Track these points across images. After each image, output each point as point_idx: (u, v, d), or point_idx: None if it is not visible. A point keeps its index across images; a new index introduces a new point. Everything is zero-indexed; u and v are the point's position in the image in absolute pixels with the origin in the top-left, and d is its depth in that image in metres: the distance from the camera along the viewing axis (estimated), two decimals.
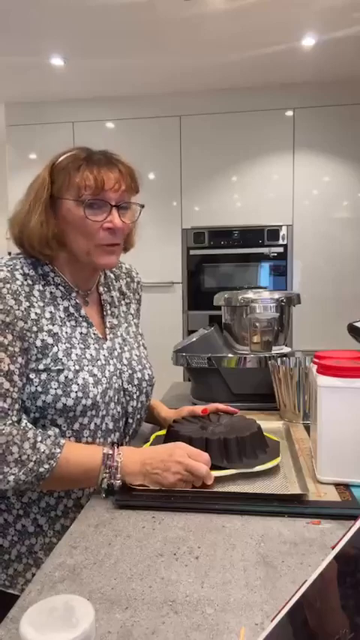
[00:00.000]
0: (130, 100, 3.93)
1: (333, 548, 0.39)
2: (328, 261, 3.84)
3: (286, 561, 0.65)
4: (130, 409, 1.03)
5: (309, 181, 3.84)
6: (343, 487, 0.84)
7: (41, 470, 0.83)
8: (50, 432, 0.90)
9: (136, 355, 1.08)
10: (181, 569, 0.65)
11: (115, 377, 1.00)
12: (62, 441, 0.87)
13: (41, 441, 0.85)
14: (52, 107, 3.99)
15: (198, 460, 0.84)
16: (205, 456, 0.85)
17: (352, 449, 0.84)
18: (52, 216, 0.96)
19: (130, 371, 1.04)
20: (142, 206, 1.03)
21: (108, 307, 1.09)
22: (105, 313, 1.08)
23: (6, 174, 4.13)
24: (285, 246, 3.83)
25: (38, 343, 0.91)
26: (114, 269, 1.16)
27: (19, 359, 0.89)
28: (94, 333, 1.01)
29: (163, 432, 1.07)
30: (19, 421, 0.87)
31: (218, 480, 0.86)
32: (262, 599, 0.58)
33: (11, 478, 0.82)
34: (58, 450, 0.85)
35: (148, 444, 1.00)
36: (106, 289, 1.11)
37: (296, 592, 0.39)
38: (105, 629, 0.54)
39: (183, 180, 3.96)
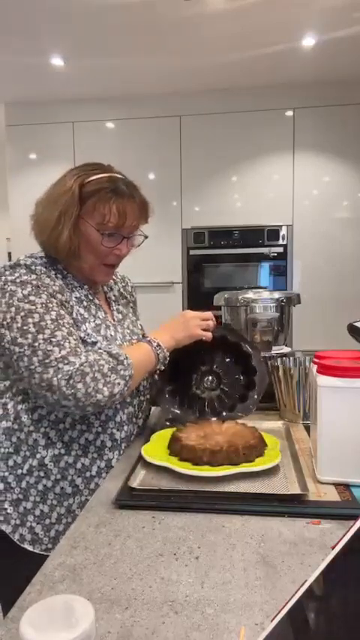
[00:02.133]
0: (130, 100, 3.93)
1: (333, 548, 0.39)
2: (328, 261, 3.84)
3: (286, 561, 0.65)
4: (141, 388, 1.15)
5: (309, 181, 3.84)
6: (343, 487, 0.84)
7: (129, 372, 0.99)
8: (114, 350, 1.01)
9: None
10: (181, 569, 0.65)
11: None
12: (117, 351, 1.00)
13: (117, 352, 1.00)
14: (52, 107, 3.99)
15: (202, 315, 1.15)
16: (207, 313, 1.16)
17: (352, 449, 0.84)
18: (77, 232, 1.04)
19: None
20: (146, 237, 1.13)
21: (114, 303, 1.20)
22: (112, 308, 1.19)
23: (6, 174, 4.13)
24: (285, 246, 3.83)
25: (74, 315, 1.03)
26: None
27: (68, 317, 1.01)
28: (109, 320, 1.12)
29: (163, 431, 1.07)
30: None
31: (218, 480, 0.86)
32: (262, 599, 0.58)
33: (121, 382, 0.97)
34: (127, 357, 0.99)
35: (149, 444, 1.00)
36: (109, 289, 1.23)
37: (296, 592, 0.39)
38: (105, 629, 0.54)
39: (183, 180, 3.96)
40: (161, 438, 1.03)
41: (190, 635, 0.53)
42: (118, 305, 1.22)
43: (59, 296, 1.01)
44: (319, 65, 3.42)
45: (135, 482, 0.87)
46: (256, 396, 1.18)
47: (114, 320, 1.16)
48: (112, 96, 3.91)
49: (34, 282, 0.99)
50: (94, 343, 1.02)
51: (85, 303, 1.08)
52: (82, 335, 1.02)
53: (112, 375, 0.95)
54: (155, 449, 0.97)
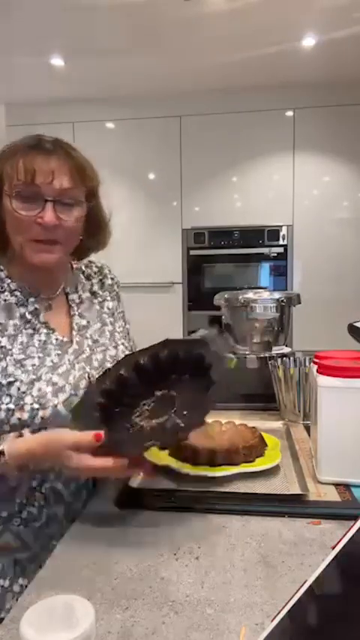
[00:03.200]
0: (130, 100, 3.93)
1: (333, 548, 0.39)
2: (328, 261, 3.84)
3: (286, 561, 0.65)
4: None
5: (309, 181, 3.84)
6: (343, 487, 0.84)
7: None
8: None
9: (110, 356, 1.00)
10: (181, 569, 0.65)
11: (83, 381, 0.93)
12: None
13: None
14: (52, 107, 3.99)
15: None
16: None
17: (352, 449, 0.84)
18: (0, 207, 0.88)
19: (100, 372, 0.95)
20: (90, 202, 0.94)
21: (76, 308, 1.02)
22: (72, 314, 1.01)
23: None
24: (285, 246, 3.83)
25: None
26: (84, 269, 1.10)
27: None
28: (57, 338, 0.94)
29: None
30: None
31: (218, 480, 0.86)
32: (262, 599, 0.58)
33: None
34: None
35: None
36: (73, 290, 1.04)
37: (296, 592, 0.39)
38: (105, 629, 0.54)
39: (183, 180, 3.95)
40: None
41: (190, 635, 0.53)
42: (84, 310, 1.03)
43: None
44: (319, 65, 3.42)
45: (135, 483, 0.87)
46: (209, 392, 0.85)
47: (72, 332, 0.98)
48: (112, 96, 3.91)
49: None
50: (10, 384, 0.84)
51: (12, 329, 0.90)
52: None
53: None
54: (155, 449, 0.97)
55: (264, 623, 0.54)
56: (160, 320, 3.88)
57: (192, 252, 3.93)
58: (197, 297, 3.92)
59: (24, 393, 0.84)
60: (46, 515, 0.89)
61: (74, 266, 1.08)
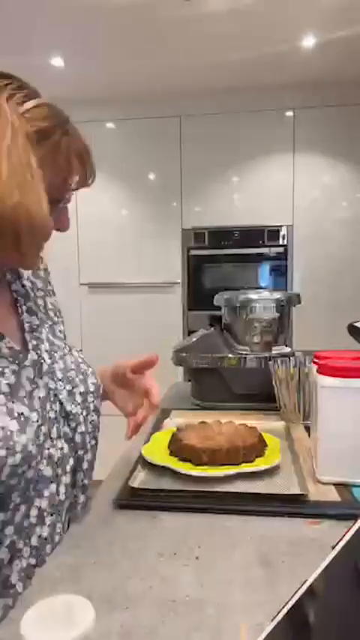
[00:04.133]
0: (130, 100, 3.93)
1: (333, 548, 0.39)
2: (328, 261, 3.84)
3: (286, 561, 0.65)
4: (78, 438, 0.77)
5: (309, 181, 3.84)
6: (343, 487, 0.84)
7: None
8: None
9: (72, 362, 0.82)
10: (181, 569, 0.65)
11: (49, 403, 0.73)
12: None
13: None
14: None
15: None
16: None
17: (352, 449, 0.84)
18: None
19: (69, 386, 0.78)
20: (76, 189, 0.78)
21: (23, 302, 0.80)
22: (20, 311, 0.78)
23: None
24: (285, 246, 3.83)
25: None
26: None
27: None
28: (9, 347, 0.71)
29: (163, 432, 1.07)
30: None
31: (218, 480, 0.86)
32: (262, 599, 0.58)
33: None
34: None
35: (149, 444, 1.00)
36: (14, 277, 0.81)
37: (296, 592, 0.39)
38: (105, 629, 0.54)
39: (183, 180, 3.95)
40: (161, 438, 1.03)
41: (190, 635, 0.53)
42: (30, 302, 0.81)
43: None
44: (319, 65, 3.42)
45: (135, 483, 0.87)
46: None
47: (24, 335, 0.76)
48: (112, 96, 3.91)
49: None
50: None
51: None
52: None
53: None
54: (155, 449, 0.97)
55: (264, 623, 0.54)
56: (160, 320, 3.88)
57: (192, 252, 3.93)
58: (197, 297, 3.92)
59: None
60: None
61: None
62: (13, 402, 0.67)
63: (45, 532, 0.71)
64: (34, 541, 0.70)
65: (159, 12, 2.72)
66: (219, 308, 1.57)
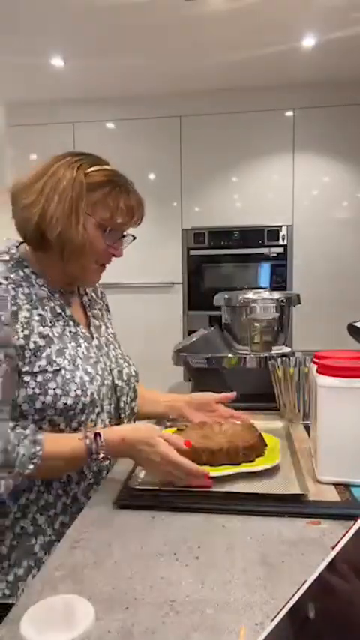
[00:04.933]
0: (130, 100, 3.93)
1: (333, 548, 0.39)
2: (328, 262, 3.84)
3: (286, 561, 0.65)
4: (121, 404, 1.05)
5: (309, 181, 3.84)
6: (343, 487, 0.84)
7: (27, 471, 0.84)
8: (27, 431, 0.86)
9: (119, 353, 1.11)
10: (181, 569, 0.65)
11: (106, 373, 1.02)
12: (39, 436, 0.86)
13: (18, 444, 0.83)
14: (52, 107, 3.99)
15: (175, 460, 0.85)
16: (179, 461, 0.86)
17: (352, 449, 0.84)
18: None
19: (118, 368, 1.06)
20: (134, 237, 1.06)
21: (89, 309, 1.11)
22: (88, 314, 1.10)
23: (6, 175, 4.12)
24: (285, 246, 3.83)
25: (31, 346, 0.91)
26: None
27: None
28: (82, 332, 1.02)
29: (163, 432, 1.07)
30: None
31: (218, 480, 0.86)
32: (262, 599, 0.58)
33: (2, 483, 0.84)
34: (38, 448, 0.84)
35: None
36: (84, 291, 1.13)
37: (296, 592, 0.39)
38: (105, 629, 0.54)
39: (183, 180, 3.95)
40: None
41: (190, 635, 0.53)
42: (94, 309, 1.13)
43: (6, 329, 0.88)
44: (319, 65, 3.42)
45: (135, 483, 0.87)
46: None
47: (90, 329, 1.06)
48: (112, 96, 3.91)
49: None
50: (57, 372, 0.91)
51: (49, 321, 0.95)
52: (44, 363, 0.90)
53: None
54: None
55: (264, 623, 0.54)
56: (160, 320, 3.88)
57: (192, 252, 3.93)
58: (197, 297, 3.92)
59: (69, 380, 0.92)
60: (62, 504, 0.95)
61: None
62: (87, 364, 0.97)
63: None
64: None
65: (159, 12, 2.72)
66: (219, 308, 1.57)
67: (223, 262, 3.91)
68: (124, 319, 3.84)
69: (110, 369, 1.04)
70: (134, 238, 1.05)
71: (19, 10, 2.69)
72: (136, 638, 0.53)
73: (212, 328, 1.55)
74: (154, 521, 0.77)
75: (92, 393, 0.95)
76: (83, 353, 0.98)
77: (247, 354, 1.41)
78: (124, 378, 1.07)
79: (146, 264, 3.86)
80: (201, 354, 1.42)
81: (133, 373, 1.11)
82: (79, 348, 0.98)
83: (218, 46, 3.14)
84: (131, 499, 0.82)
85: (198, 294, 3.92)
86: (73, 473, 0.95)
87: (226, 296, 1.52)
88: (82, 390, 0.93)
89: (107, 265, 1.06)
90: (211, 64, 3.38)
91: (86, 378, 0.94)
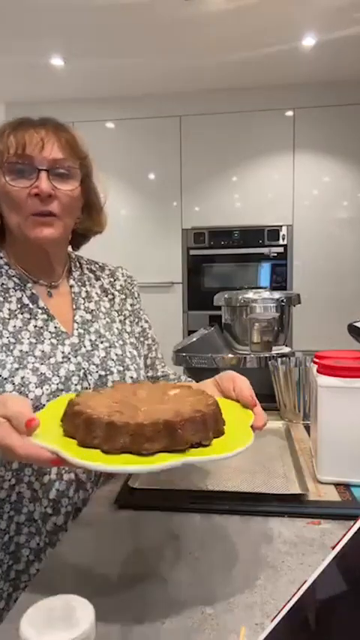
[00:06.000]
0: (130, 100, 3.93)
1: (333, 548, 0.39)
2: (328, 262, 3.84)
3: (286, 561, 0.65)
4: None
5: (309, 181, 3.84)
6: (343, 487, 0.84)
7: None
8: None
9: (116, 354, 0.96)
10: (181, 569, 0.65)
11: (76, 377, 0.89)
12: None
13: None
14: (52, 107, 3.96)
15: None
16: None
17: (352, 449, 0.84)
18: None
19: (102, 372, 0.92)
20: (85, 177, 0.94)
21: (81, 302, 0.99)
22: (75, 307, 0.98)
23: None
24: (285, 246, 3.83)
25: None
26: (94, 269, 1.08)
27: None
28: (56, 327, 0.92)
29: (59, 399, 0.76)
30: None
31: (218, 479, 0.86)
32: (262, 599, 0.58)
33: None
34: None
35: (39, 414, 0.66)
36: (80, 284, 1.02)
37: (296, 592, 0.39)
38: (105, 629, 0.54)
39: (183, 180, 3.95)
40: (56, 407, 0.68)
41: (190, 636, 0.53)
42: (89, 303, 1.00)
43: None
44: (319, 65, 3.42)
45: (135, 483, 0.87)
46: None
47: (73, 325, 0.95)
48: (112, 96, 3.91)
49: None
50: None
51: (8, 314, 0.88)
52: None
53: None
54: (47, 424, 0.61)
55: (264, 623, 0.54)
56: (160, 320, 3.88)
57: (192, 252, 3.93)
58: (197, 297, 3.92)
59: (5, 379, 0.81)
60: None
61: (84, 266, 1.07)
62: (42, 364, 0.86)
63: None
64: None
65: (159, 12, 2.72)
66: (219, 308, 1.57)
67: (223, 262, 3.91)
68: None
69: (86, 373, 0.90)
70: (67, 174, 0.90)
71: (19, 10, 2.69)
72: (136, 638, 0.53)
73: (212, 328, 1.55)
74: (154, 521, 0.77)
75: (38, 397, 0.82)
76: (42, 351, 0.87)
77: (247, 354, 1.41)
78: (109, 384, 0.92)
79: (146, 264, 3.86)
80: (201, 353, 1.42)
81: (128, 380, 0.95)
82: (38, 345, 0.88)
83: (218, 46, 3.14)
84: (131, 499, 0.82)
85: (198, 293, 3.92)
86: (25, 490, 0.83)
87: (226, 296, 1.52)
88: (20, 392, 0.81)
89: (91, 235, 1.01)
90: (211, 64, 3.38)
91: (32, 380, 0.83)
